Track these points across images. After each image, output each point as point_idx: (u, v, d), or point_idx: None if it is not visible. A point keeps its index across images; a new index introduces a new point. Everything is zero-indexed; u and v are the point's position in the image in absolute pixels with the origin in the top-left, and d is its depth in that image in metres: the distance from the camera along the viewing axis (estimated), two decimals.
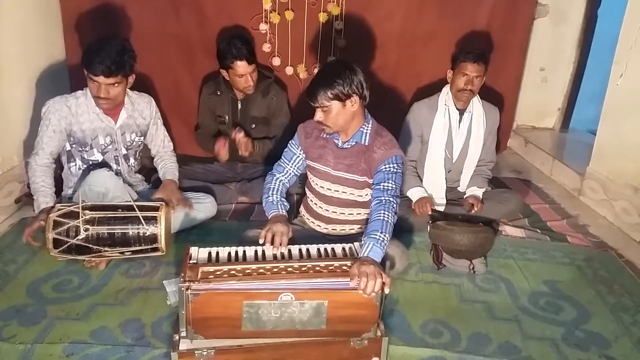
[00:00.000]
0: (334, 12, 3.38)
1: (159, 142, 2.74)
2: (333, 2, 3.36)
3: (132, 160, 2.66)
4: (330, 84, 2.02)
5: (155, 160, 2.78)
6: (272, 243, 1.96)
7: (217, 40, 3.30)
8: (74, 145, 2.51)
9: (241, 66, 2.86)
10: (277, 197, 2.23)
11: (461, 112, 2.82)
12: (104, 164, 2.56)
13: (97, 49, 2.31)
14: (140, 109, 2.62)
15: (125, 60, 2.35)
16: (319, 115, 2.09)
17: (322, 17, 3.38)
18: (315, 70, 3.48)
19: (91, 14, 3.28)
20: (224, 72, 2.97)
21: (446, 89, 2.83)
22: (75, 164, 2.55)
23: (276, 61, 3.46)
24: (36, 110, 2.86)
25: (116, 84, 2.36)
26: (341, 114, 2.08)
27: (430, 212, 2.69)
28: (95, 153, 2.54)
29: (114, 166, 2.59)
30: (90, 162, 2.55)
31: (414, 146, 2.88)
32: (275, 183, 2.28)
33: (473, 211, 2.74)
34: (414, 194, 2.80)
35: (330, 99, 2.03)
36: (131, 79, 2.47)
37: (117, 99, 2.43)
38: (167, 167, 2.71)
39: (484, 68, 2.71)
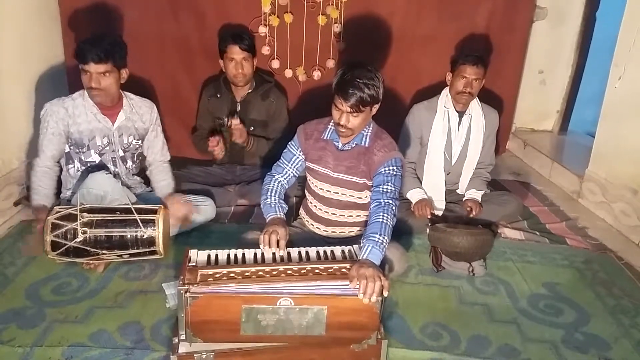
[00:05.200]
0: (333, 15, 3.38)
1: (157, 150, 2.71)
2: (332, 5, 3.37)
3: (129, 163, 2.66)
4: (370, 89, 2.00)
5: (150, 168, 2.72)
6: (270, 246, 1.96)
7: (216, 44, 3.31)
8: (71, 147, 2.51)
9: (234, 50, 2.91)
10: (275, 200, 2.23)
11: (460, 114, 2.83)
12: (101, 166, 2.56)
13: (89, 41, 2.36)
14: (141, 113, 2.62)
15: (115, 50, 2.38)
16: (345, 118, 2.06)
17: (321, 20, 3.38)
18: (315, 73, 3.49)
19: (90, 17, 3.29)
20: (222, 63, 3.01)
21: (445, 91, 2.83)
22: (74, 166, 2.55)
23: (275, 64, 3.47)
24: (35, 113, 2.87)
25: (106, 73, 2.36)
26: (366, 119, 2.11)
27: (429, 215, 2.69)
28: (92, 154, 2.54)
29: (112, 168, 2.59)
30: (88, 164, 2.55)
31: (413, 148, 2.89)
32: (273, 184, 2.28)
33: (472, 215, 2.74)
34: (413, 195, 2.80)
35: (367, 104, 2.03)
36: (124, 74, 2.48)
37: (109, 91, 2.42)
38: (168, 180, 2.68)
39: (483, 71, 2.71)
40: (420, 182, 2.88)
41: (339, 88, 2.03)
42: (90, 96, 2.44)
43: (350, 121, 2.06)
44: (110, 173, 2.54)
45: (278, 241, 1.97)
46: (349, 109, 2.02)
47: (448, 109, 2.82)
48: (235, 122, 2.92)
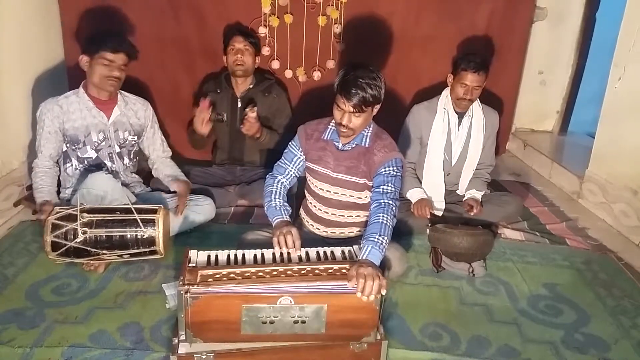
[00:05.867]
0: (333, 16, 3.39)
1: (158, 147, 2.75)
2: (332, 5, 3.37)
3: (126, 160, 2.67)
4: (372, 89, 2.00)
5: (155, 166, 2.77)
6: (287, 246, 1.95)
7: (216, 44, 3.31)
8: (68, 145, 2.52)
9: (237, 39, 3.00)
10: (279, 202, 2.22)
11: (460, 115, 2.82)
12: (98, 163, 2.57)
13: (105, 33, 2.50)
14: (135, 109, 2.66)
15: (133, 50, 2.51)
16: (347, 118, 2.05)
17: (322, 21, 3.38)
18: (315, 74, 3.49)
19: (90, 17, 3.29)
20: (225, 59, 3.06)
21: (446, 92, 2.83)
22: (71, 164, 2.56)
23: (275, 64, 3.47)
24: (35, 113, 2.86)
25: (123, 66, 2.48)
26: (367, 119, 2.11)
27: (428, 215, 2.69)
28: (88, 150, 2.55)
29: (109, 164, 2.60)
30: (85, 161, 2.56)
31: (413, 148, 2.89)
32: (276, 186, 2.28)
33: (472, 213, 2.74)
34: (413, 195, 2.80)
35: (369, 104, 2.03)
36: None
37: (120, 83, 2.53)
38: (176, 171, 2.74)
39: (484, 77, 2.69)
40: (420, 182, 2.88)
41: (341, 88, 2.02)
42: (104, 85, 2.48)
43: (352, 121, 2.06)
44: (108, 170, 2.56)
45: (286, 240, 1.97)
46: (351, 109, 2.02)
47: (448, 110, 2.81)
48: (253, 114, 2.86)
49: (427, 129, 2.84)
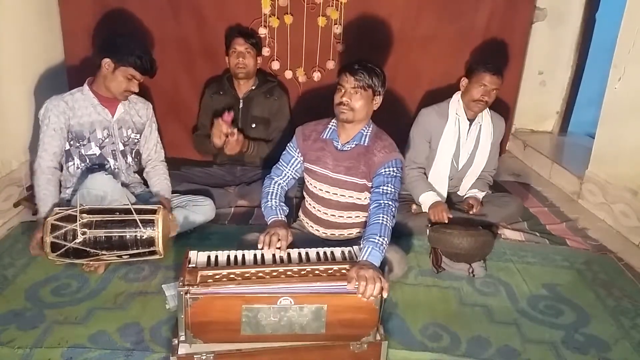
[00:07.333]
0: (333, 16, 3.39)
1: (152, 146, 2.74)
2: (332, 6, 3.37)
3: (129, 158, 2.68)
4: (376, 74, 2.08)
5: (146, 170, 2.74)
6: (270, 246, 1.95)
7: (216, 44, 3.31)
8: (71, 142, 2.52)
9: (238, 41, 3.02)
10: (275, 202, 2.23)
11: (470, 122, 2.80)
12: (101, 161, 2.57)
13: (136, 44, 2.48)
14: (137, 108, 2.67)
15: (155, 63, 2.54)
16: (347, 96, 2.08)
17: (321, 21, 3.38)
18: (315, 75, 3.49)
19: (90, 18, 3.29)
20: (227, 60, 3.08)
21: (457, 97, 2.79)
22: (74, 163, 2.55)
23: (275, 65, 3.47)
24: (35, 113, 2.86)
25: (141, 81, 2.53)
26: (366, 107, 2.13)
27: (446, 221, 2.60)
28: (92, 147, 2.54)
29: (112, 161, 2.60)
30: (88, 159, 2.55)
31: (422, 151, 2.82)
32: (273, 187, 2.28)
33: (472, 212, 2.73)
34: (427, 199, 2.71)
35: (369, 86, 2.07)
36: None
37: None
38: (162, 183, 2.68)
39: (500, 81, 2.68)
40: (431, 185, 2.82)
41: (345, 67, 2.09)
42: (121, 96, 2.52)
43: (352, 99, 2.08)
44: (111, 168, 2.57)
45: (279, 242, 1.97)
46: (353, 84, 2.05)
47: (459, 116, 2.77)
48: (235, 132, 2.90)
49: (438, 134, 2.79)
